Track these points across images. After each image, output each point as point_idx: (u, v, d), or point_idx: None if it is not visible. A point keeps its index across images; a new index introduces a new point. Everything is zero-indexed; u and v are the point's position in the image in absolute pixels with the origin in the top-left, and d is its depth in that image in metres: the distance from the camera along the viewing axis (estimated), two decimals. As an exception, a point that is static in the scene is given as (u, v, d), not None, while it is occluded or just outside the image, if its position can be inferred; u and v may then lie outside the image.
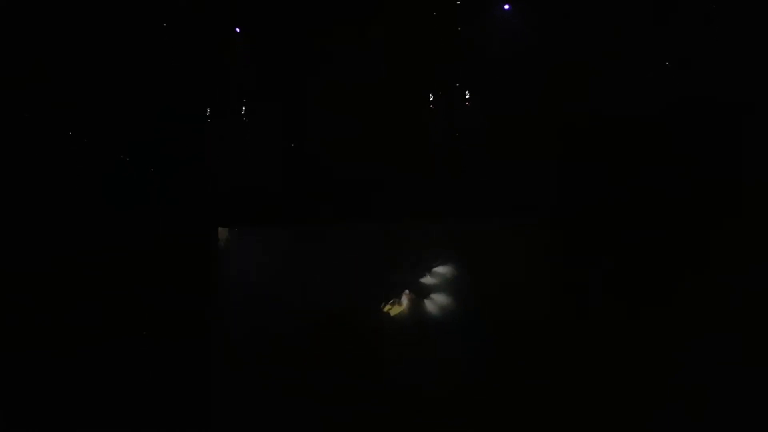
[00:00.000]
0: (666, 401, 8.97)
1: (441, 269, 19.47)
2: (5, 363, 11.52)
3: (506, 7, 16.01)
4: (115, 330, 13.29)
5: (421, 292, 19.30)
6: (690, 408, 8.38)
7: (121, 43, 14.68)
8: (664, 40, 12.54)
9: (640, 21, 12.65)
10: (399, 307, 19.08)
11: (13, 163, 13.56)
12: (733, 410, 7.86)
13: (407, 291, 18.87)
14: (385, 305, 18.62)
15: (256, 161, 17.34)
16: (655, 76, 12.84)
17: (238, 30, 16.39)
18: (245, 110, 17.34)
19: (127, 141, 15.47)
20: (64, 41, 13.73)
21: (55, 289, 13.28)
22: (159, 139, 15.52)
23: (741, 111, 10.33)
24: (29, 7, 13.49)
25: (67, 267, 13.51)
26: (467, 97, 17.99)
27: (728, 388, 8.46)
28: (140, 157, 15.67)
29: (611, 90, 12.93)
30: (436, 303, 19.27)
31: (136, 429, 9.71)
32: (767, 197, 9.90)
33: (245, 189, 16.66)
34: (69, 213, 14.03)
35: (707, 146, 10.69)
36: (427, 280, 19.57)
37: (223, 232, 17.05)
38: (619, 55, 13.69)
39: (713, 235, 10.34)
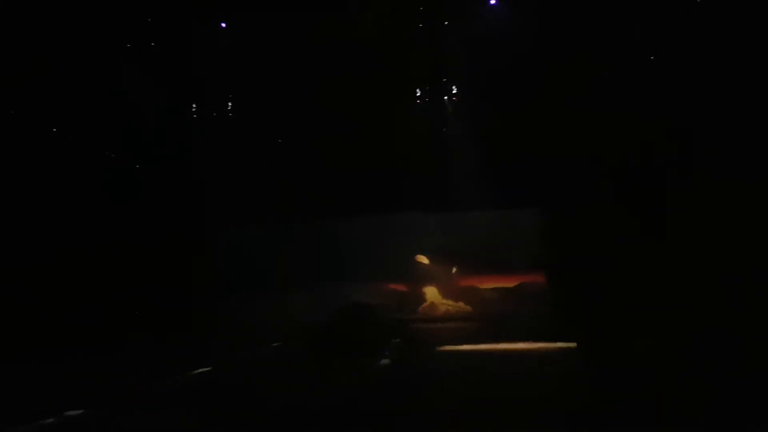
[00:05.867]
0: (666, 399, 8.96)
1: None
2: (5, 362, 11.52)
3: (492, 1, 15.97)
4: (116, 327, 13.35)
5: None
6: (689, 407, 8.38)
7: (118, 43, 14.66)
8: (660, 40, 12.56)
9: (638, 19, 12.67)
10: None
11: (14, 164, 13.54)
12: (734, 410, 7.87)
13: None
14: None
15: (250, 161, 17.33)
16: (652, 76, 12.90)
17: (224, 25, 16.38)
18: (236, 110, 17.30)
19: (126, 141, 15.48)
20: (61, 43, 13.67)
21: (55, 286, 13.29)
22: (157, 139, 15.51)
23: (740, 111, 10.36)
24: (27, 13, 13.43)
25: (69, 265, 13.52)
26: (464, 95, 18.08)
27: (729, 387, 8.49)
28: (139, 156, 15.67)
29: (608, 89, 12.97)
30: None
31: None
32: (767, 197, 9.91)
33: (241, 188, 16.67)
34: (68, 213, 14.00)
35: (706, 145, 10.73)
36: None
37: (222, 231, 17.06)
38: (616, 53, 13.73)
39: (712, 233, 10.37)
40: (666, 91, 11.92)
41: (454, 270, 19.56)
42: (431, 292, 19.91)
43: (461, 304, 19.42)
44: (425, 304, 19.54)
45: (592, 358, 10.78)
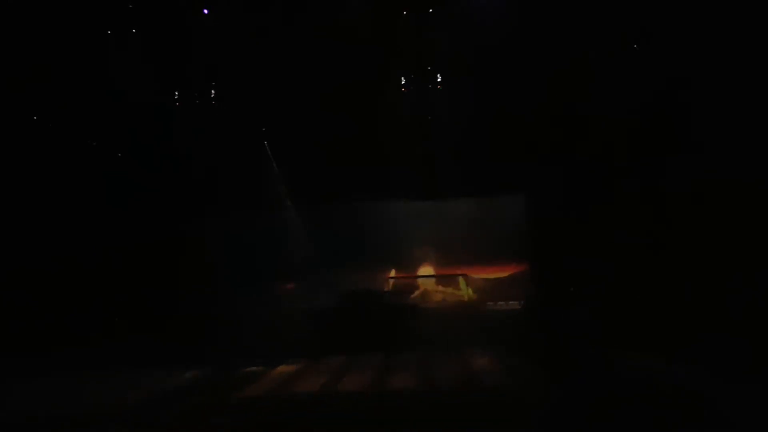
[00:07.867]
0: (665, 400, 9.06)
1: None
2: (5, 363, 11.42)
3: None
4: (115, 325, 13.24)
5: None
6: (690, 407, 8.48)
7: (106, 43, 14.35)
8: (659, 40, 12.51)
9: (638, 21, 12.59)
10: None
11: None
12: (734, 412, 7.97)
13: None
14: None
15: (238, 150, 17.12)
16: (650, 67, 12.83)
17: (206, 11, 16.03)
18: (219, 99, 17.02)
19: (111, 135, 15.22)
20: (51, 43, 13.36)
21: (54, 287, 13.14)
22: (143, 132, 15.26)
23: (742, 111, 10.34)
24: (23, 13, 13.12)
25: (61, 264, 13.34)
26: (450, 83, 17.93)
27: (729, 388, 8.59)
28: (125, 150, 15.42)
29: (608, 88, 12.91)
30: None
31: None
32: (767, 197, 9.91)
33: (230, 178, 16.50)
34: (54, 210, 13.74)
35: (706, 146, 10.71)
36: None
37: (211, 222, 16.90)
38: (611, 41, 13.65)
39: (712, 233, 10.37)
40: (664, 86, 11.88)
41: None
42: (425, 280, 20.01)
43: (453, 291, 19.58)
44: (419, 291, 19.66)
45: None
